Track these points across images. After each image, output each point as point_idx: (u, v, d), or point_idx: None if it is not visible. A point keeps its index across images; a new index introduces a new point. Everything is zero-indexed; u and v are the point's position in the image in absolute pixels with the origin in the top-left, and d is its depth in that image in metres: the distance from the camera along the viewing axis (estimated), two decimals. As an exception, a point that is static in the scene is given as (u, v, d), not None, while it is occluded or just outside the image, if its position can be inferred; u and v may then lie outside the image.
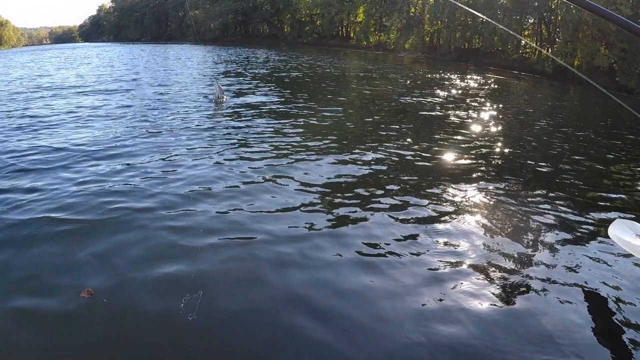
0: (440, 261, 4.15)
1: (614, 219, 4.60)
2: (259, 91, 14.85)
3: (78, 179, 5.88)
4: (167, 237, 4.30)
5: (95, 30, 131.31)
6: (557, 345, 3.14)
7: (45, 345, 2.90)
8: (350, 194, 5.71)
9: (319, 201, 5.42)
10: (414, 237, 4.61)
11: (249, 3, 68.03)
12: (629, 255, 4.28)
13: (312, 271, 3.86)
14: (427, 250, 4.34)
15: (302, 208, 5.17)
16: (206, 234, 4.40)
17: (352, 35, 54.48)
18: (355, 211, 5.17)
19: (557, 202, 5.92)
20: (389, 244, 4.43)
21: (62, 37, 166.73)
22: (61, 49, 64.24)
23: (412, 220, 5.00)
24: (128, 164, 6.58)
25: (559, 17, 29.24)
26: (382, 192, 5.83)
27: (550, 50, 28.76)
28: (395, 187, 6.05)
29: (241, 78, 18.91)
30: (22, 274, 3.67)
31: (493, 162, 7.70)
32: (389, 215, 5.09)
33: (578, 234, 5.03)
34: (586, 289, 3.89)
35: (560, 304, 3.63)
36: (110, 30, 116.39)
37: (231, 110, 11.08)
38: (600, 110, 17.26)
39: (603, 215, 5.60)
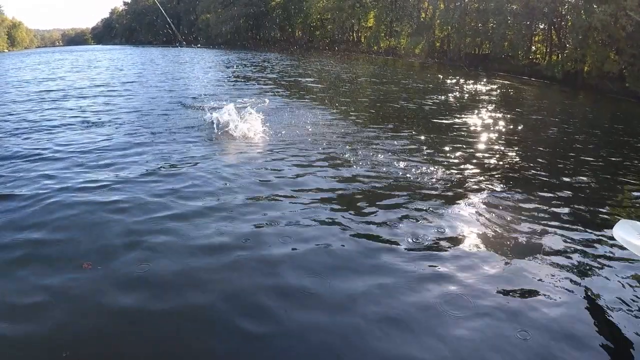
0: (440, 259, 4.35)
1: (619, 219, 4.73)
2: (269, 95, 15.00)
3: (78, 181, 6.13)
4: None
5: (107, 32, 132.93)
6: (558, 346, 3.28)
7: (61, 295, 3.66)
8: (353, 196, 5.85)
9: (324, 206, 5.54)
10: (416, 240, 4.74)
11: (261, 7, 68.73)
12: (633, 256, 4.33)
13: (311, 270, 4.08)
14: (429, 251, 4.53)
15: (303, 212, 5.30)
16: (198, 238, 4.62)
17: (362, 40, 54.97)
18: (354, 212, 5.34)
19: (563, 204, 6.15)
20: (391, 247, 4.59)
21: (74, 39, 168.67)
22: (73, 51, 65.07)
23: (416, 224, 5.14)
24: (128, 171, 6.67)
25: (569, 23, 29.49)
26: (387, 195, 5.96)
27: (560, 56, 29.04)
28: (400, 191, 6.13)
29: (254, 82, 19.38)
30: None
31: (500, 166, 7.91)
32: (393, 218, 5.24)
33: (583, 234, 5.21)
34: (589, 289, 4.03)
35: (561, 305, 3.78)
36: (122, 33, 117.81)
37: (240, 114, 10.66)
38: (610, 115, 17.51)
39: (608, 217, 5.84)
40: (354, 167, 7.11)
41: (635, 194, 7.18)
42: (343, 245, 4.55)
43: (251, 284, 3.84)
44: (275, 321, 3.39)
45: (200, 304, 3.56)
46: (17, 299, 3.58)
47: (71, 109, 12.09)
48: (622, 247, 4.33)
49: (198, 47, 63.54)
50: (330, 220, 5.12)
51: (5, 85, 18.47)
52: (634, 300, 3.96)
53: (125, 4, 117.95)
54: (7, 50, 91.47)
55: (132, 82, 19.22)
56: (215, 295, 3.66)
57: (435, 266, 4.21)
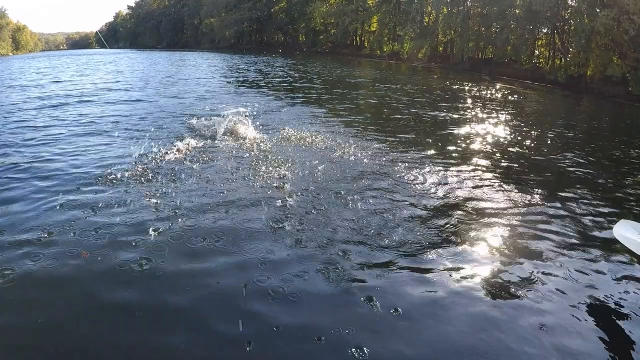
0: (447, 264, 4.42)
1: (620, 219, 4.83)
2: (271, 99, 15.08)
3: (74, 189, 6.21)
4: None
5: (111, 36, 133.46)
6: (560, 345, 3.32)
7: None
8: (352, 208, 5.73)
9: (327, 213, 5.50)
10: (421, 246, 4.79)
11: (264, 11, 69.02)
12: (633, 254, 4.42)
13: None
14: (434, 255, 4.60)
15: (299, 225, 5.22)
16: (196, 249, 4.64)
17: (365, 44, 55.04)
18: (352, 226, 5.24)
19: (566, 205, 6.30)
20: (397, 251, 4.65)
21: (78, 43, 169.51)
22: (77, 55, 65.39)
23: (420, 231, 5.17)
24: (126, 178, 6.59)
25: (572, 27, 29.47)
26: (388, 207, 5.88)
27: (563, 60, 28.97)
28: (406, 197, 6.18)
29: (256, 86, 19.41)
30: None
31: (503, 169, 7.99)
32: (399, 224, 5.30)
33: (584, 234, 5.34)
34: (590, 290, 4.09)
35: (564, 303, 3.85)
36: (126, 36, 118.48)
37: (242, 119, 10.13)
38: (613, 119, 17.50)
39: (610, 216, 5.93)
40: (356, 180, 6.85)
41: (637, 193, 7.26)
42: (340, 264, 4.45)
43: (235, 310, 3.71)
44: (261, 347, 3.33)
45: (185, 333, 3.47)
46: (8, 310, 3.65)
47: (72, 114, 12.16)
48: (622, 246, 4.38)
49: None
50: (328, 235, 5.01)
51: (7, 89, 18.57)
52: (634, 300, 4.00)
53: (129, 7, 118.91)
54: (11, 54, 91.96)
55: (135, 86, 19.31)
56: (197, 324, 3.56)
57: (434, 291, 4.08)
